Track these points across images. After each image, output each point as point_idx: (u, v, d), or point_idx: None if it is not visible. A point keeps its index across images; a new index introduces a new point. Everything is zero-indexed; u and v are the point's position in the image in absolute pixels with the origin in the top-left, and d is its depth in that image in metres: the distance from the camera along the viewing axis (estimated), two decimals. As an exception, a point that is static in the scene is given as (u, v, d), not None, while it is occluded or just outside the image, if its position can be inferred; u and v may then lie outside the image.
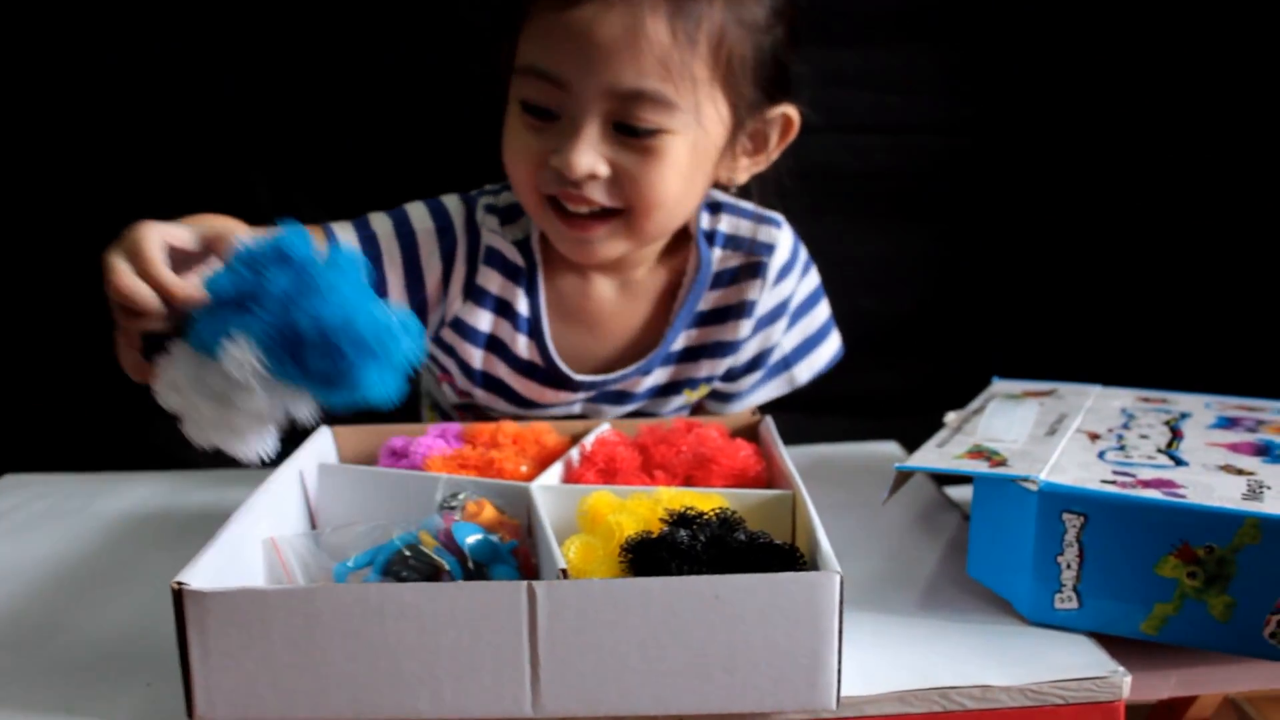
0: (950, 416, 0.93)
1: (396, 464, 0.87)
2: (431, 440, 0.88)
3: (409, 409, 1.61)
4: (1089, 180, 1.72)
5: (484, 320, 1.05)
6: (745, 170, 1.01)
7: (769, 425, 0.91)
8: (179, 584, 0.61)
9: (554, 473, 0.82)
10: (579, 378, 1.06)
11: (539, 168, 0.92)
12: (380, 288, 1.00)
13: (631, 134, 0.90)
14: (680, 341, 1.08)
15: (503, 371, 1.07)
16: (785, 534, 0.76)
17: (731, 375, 1.11)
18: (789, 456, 0.81)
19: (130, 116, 1.58)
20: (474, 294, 1.04)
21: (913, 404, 1.76)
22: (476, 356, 1.07)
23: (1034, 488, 0.73)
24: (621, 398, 1.10)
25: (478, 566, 0.73)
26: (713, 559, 0.66)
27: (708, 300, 1.07)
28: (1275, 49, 1.58)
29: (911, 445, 1.35)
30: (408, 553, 0.72)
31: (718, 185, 1.02)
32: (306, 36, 1.63)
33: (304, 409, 0.67)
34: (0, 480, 1.11)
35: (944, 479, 0.99)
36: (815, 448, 1.13)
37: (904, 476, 0.82)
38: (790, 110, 0.99)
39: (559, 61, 0.88)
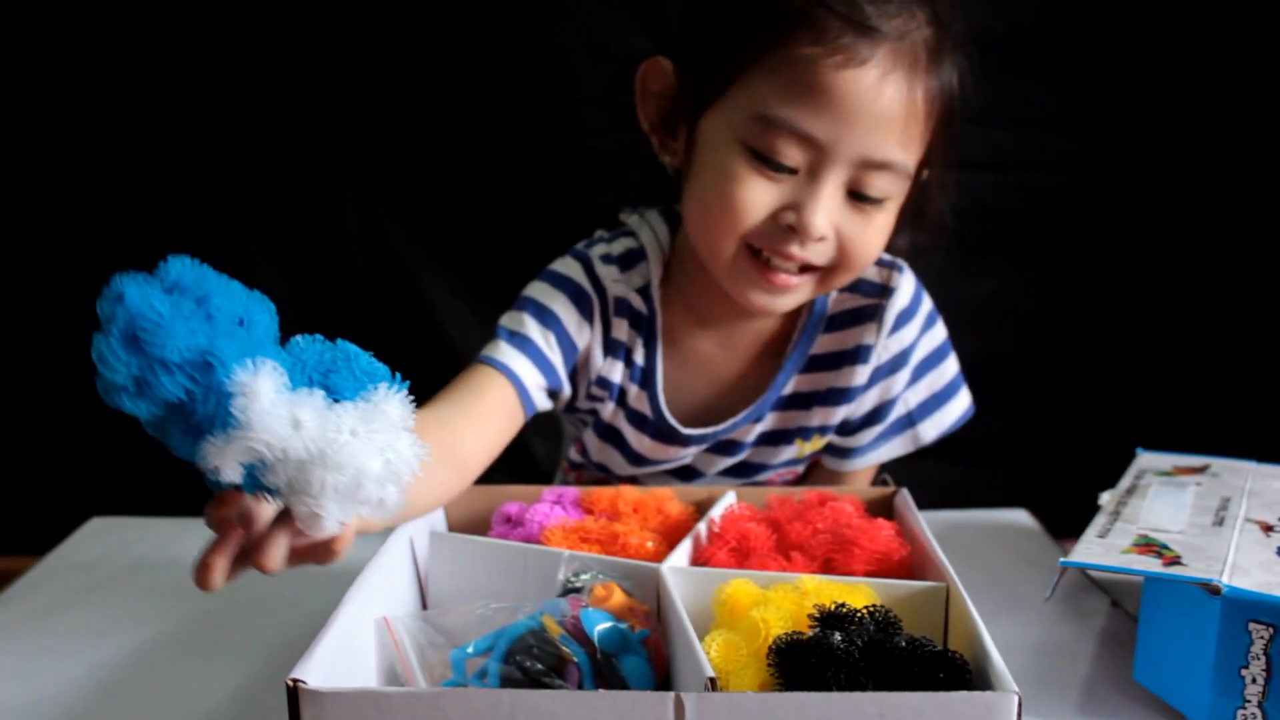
0: (1104, 498, 0.86)
1: (511, 533, 0.82)
2: (548, 508, 0.83)
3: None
4: (1204, 222, 1.66)
5: (618, 372, 1.01)
6: None
7: (906, 500, 0.85)
8: (295, 681, 0.56)
9: (683, 551, 0.77)
10: (687, 431, 1.02)
11: (761, 218, 0.87)
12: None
13: (861, 200, 0.87)
14: (791, 386, 1.03)
15: (621, 423, 1.04)
16: (937, 630, 0.70)
17: (848, 428, 1.05)
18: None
19: (231, 139, 1.57)
20: (611, 348, 1.00)
21: (1012, 451, 1.71)
22: (610, 411, 1.04)
23: (1217, 594, 0.66)
24: (731, 447, 1.05)
25: (606, 657, 0.68)
26: (870, 667, 0.60)
27: (822, 344, 1.02)
28: None
29: (1016, 495, 1.31)
30: (532, 640, 0.67)
31: None
32: (394, 53, 1.63)
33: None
34: (87, 525, 1.07)
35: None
36: (938, 515, 1.06)
37: (1064, 570, 0.76)
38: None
39: (818, 122, 0.83)
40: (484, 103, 1.72)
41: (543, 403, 0.95)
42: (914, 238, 0.99)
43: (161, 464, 1.22)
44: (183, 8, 1.56)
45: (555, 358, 0.96)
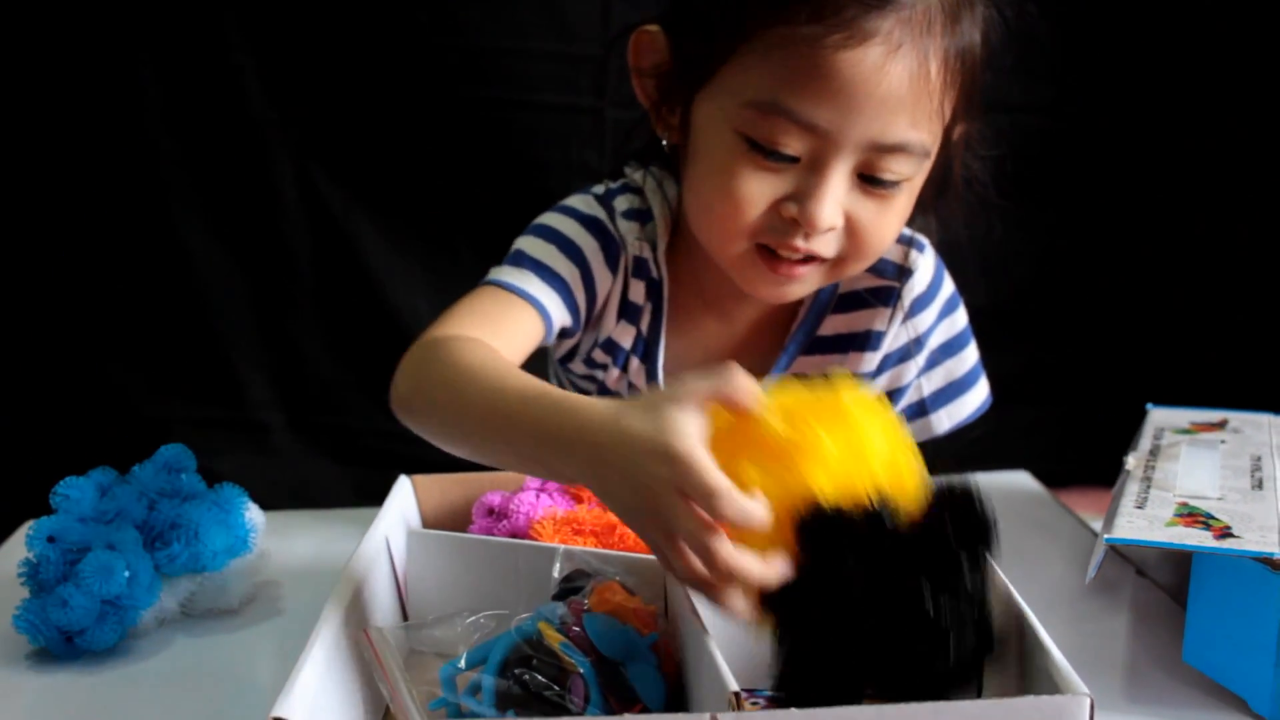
0: (1130, 461, 0.81)
1: (495, 527, 0.74)
2: (534, 497, 0.75)
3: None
4: (1177, 165, 1.63)
5: (629, 338, 0.93)
6: None
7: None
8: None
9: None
10: None
11: (763, 212, 0.79)
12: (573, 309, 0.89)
13: (874, 184, 0.78)
14: (796, 368, 0.95)
15: (618, 386, 0.96)
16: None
17: None
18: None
19: (157, 106, 1.50)
20: (627, 311, 0.92)
21: (1008, 395, 1.67)
22: (614, 377, 0.96)
23: (1278, 569, 0.61)
24: None
25: (612, 666, 0.61)
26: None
27: (829, 325, 0.94)
28: None
29: (1014, 446, 1.26)
30: (529, 650, 0.61)
31: None
32: (329, 6, 1.55)
33: None
34: (24, 529, 0.98)
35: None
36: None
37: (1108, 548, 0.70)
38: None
39: (820, 109, 0.73)
40: (425, 57, 1.64)
41: (551, 341, 0.89)
42: (939, 210, 0.91)
43: (108, 462, 1.13)
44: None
45: (580, 296, 0.88)
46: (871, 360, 0.93)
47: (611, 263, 0.89)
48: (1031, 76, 1.57)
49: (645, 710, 0.60)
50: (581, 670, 0.59)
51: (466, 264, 1.14)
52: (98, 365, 1.77)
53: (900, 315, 0.92)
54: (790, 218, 0.77)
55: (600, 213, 0.90)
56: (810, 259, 0.81)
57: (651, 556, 0.66)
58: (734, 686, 0.53)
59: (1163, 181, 1.64)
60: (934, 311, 0.94)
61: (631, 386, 0.95)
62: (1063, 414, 1.73)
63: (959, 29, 0.75)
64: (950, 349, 0.96)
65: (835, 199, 0.76)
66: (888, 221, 0.80)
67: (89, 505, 0.79)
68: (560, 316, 0.85)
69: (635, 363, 0.93)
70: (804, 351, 0.94)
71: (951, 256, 1.02)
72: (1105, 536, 0.67)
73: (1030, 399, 1.67)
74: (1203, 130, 1.60)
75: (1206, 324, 1.66)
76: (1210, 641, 0.67)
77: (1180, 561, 0.80)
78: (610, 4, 1.57)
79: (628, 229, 0.90)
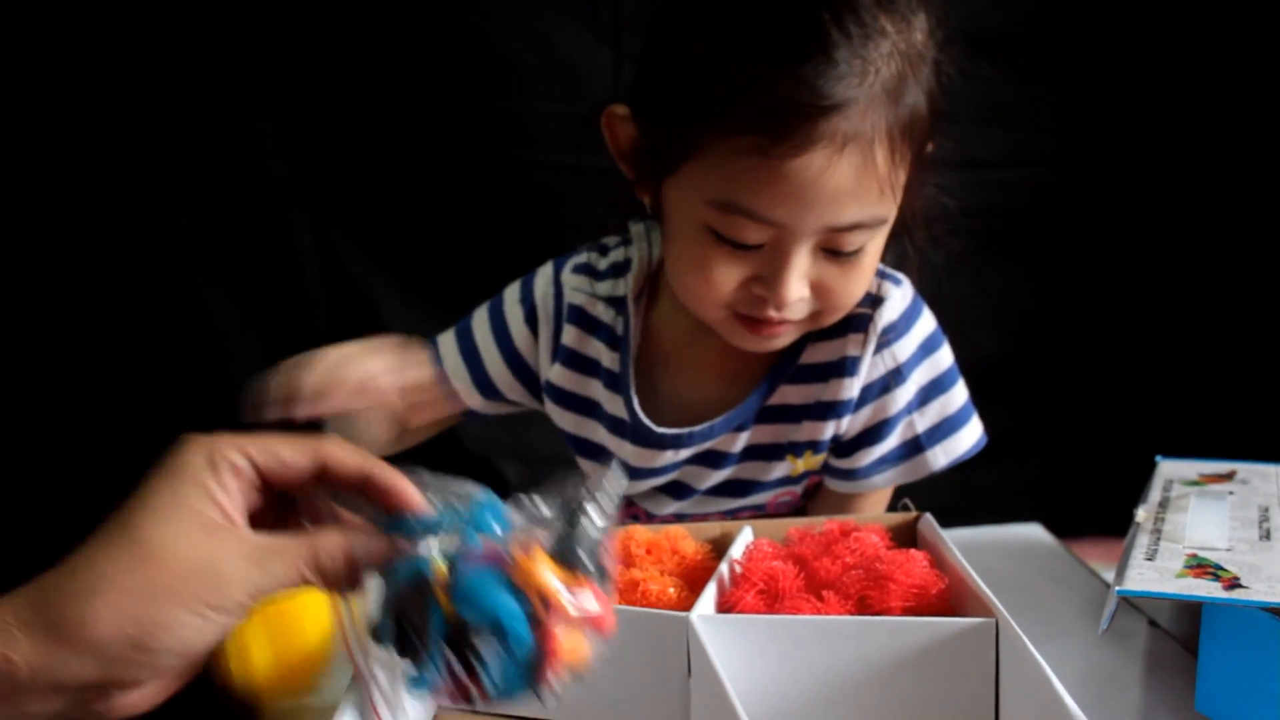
0: (1140, 514, 0.82)
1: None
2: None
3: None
4: (1178, 216, 1.64)
5: (569, 380, 1.03)
6: None
7: (931, 525, 0.81)
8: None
9: (709, 597, 0.71)
10: (660, 430, 0.98)
11: (734, 291, 0.85)
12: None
13: (837, 255, 0.83)
14: (778, 397, 0.98)
15: (602, 435, 1.03)
16: (989, 671, 0.66)
17: (842, 449, 1.00)
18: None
19: (177, 162, 1.52)
20: (561, 355, 1.02)
21: (1019, 448, 1.68)
22: (567, 420, 1.04)
23: (1287, 618, 0.62)
24: (717, 458, 1.01)
25: (462, 627, 0.51)
26: None
27: (810, 354, 0.97)
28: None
29: (1026, 499, 1.27)
30: (411, 593, 0.51)
31: None
32: (344, 69, 1.58)
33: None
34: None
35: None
36: (952, 533, 1.02)
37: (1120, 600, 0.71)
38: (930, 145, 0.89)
39: (775, 209, 0.79)
40: (436, 117, 1.67)
41: (472, 399, 1.08)
42: (904, 249, 0.95)
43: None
44: (135, 27, 1.50)
45: (488, 352, 1.06)
46: (852, 386, 0.96)
47: (528, 318, 1.04)
48: (1036, 130, 1.61)
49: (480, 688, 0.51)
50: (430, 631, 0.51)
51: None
52: (115, 423, 1.80)
53: (873, 342, 0.95)
54: (759, 295, 0.83)
55: (543, 272, 1.05)
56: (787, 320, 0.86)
57: (675, 612, 0.68)
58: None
59: (1168, 232, 1.66)
60: (912, 343, 0.96)
61: (614, 420, 1.01)
62: (1073, 466, 1.74)
63: (903, 102, 0.78)
64: (939, 386, 0.98)
65: (799, 276, 0.82)
66: (854, 279, 0.86)
67: None
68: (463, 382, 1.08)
69: (607, 395, 1.00)
70: (788, 380, 0.98)
71: (957, 311, 1.04)
72: (1117, 589, 0.69)
73: (1041, 451, 1.68)
74: (1208, 181, 1.61)
75: (1214, 373, 1.67)
76: (1222, 690, 0.68)
77: (1192, 611, 0.81)
78: (621, 67, 1.61)
79: (570, 280, 1.02)
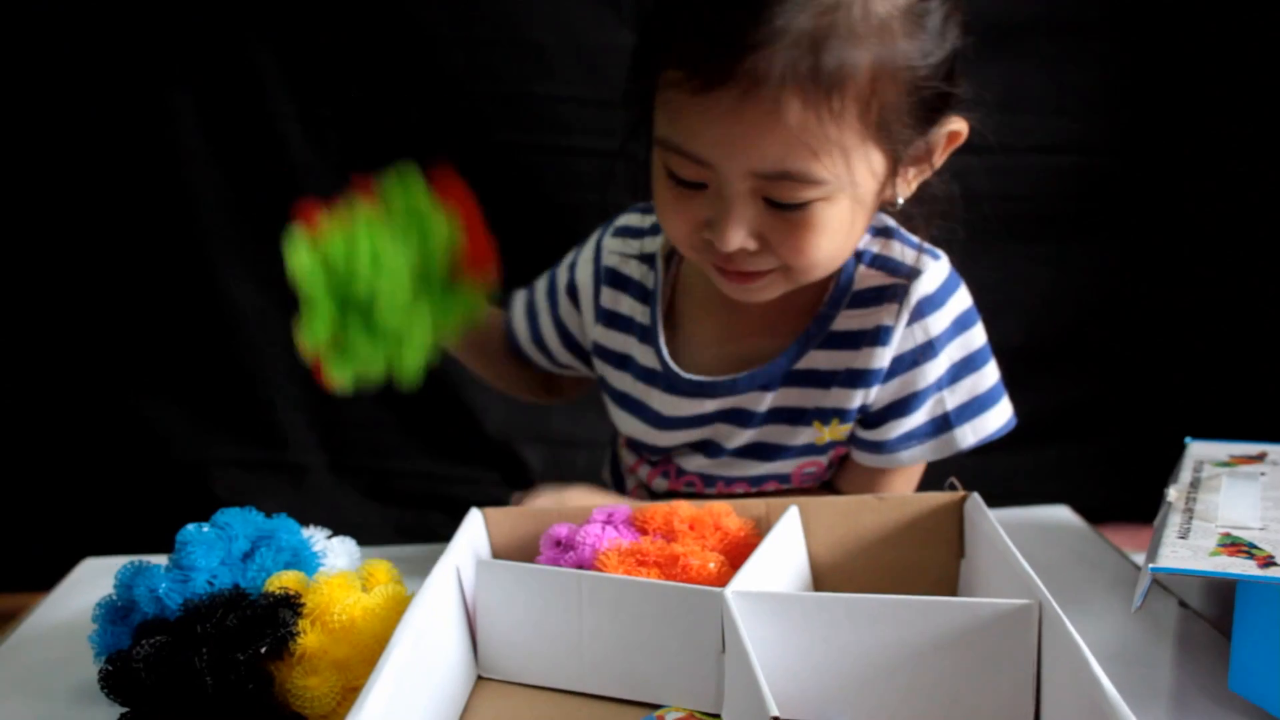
0: (1171, 493, 0.83)
1: (562, 557, 0.77)
2: (599, 529, 0.78)
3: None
4: (1206, 199, 1.64)
5: (610, 339, 1.08)
6: (909, 186, 0.91)
7: (978, 505, 0.81)
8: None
9: (747, 573, 0.72)
10: (688, 377, 1.02)
11: (694, 230, 0.89)
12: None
13: (781, 207, 0.84)
14: (808, 361, 1.00)
15: (630, 386, 1.08)
16: (1030, 655, 0.66)
17: (870, 420, 1.01)
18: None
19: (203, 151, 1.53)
20: (602, 316, 1.08)
21: (1049, 432, 1.68)
22: (617, 378, 1.09)
23: (1323, 596, 0.63)
24: (744, 416, 1.02)
25: None
26: None
27: (844, 320, 0.99)
28: None
29: (1055, 482, 1.27)
30: None
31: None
32: (370, 56, 1.58)
33: None
34: (80, 567, 1.01)
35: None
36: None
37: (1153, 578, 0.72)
38: (956, 124, 0.88)
39: (698, 144, 0.82)
40: (462, 104, 1.68)
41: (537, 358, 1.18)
42: (929, 226, 0.95)
43: (153, 503, 1.15)
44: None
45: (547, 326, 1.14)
46: (883, 356, 0.97)
47: (569, 289, 1.12)
48: (1065, 115, 1.61)
49: None
50: None
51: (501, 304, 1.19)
52: (140, 408, 1.81)
53: (907, 313, 0.96)
54: (708, 239, 0.86)
55: (591, 238, 1.12)
56: (759, 271, 0.89)
57: (710, 588, 0.69)
58: (774, 711, 0.55)
59: (1195, 216, 1.66)
60: (946, 318, 0.97)
61: (647, 371, 1.06)
62: (1101, 450, 1.75)
63: (826, 58, 0.76)
64: (970, 364, 0.99)
65: (741, 222, 0.84)
66: (804, 238, 0.85)
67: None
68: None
69: (640, 348, 1.06)
70: (820, 345, 0.99)
71: (988, 297, 1.04)
72: (1150, 566, 0.69)
73: (1069, 435, 1.69)
74: (1237, 164, 1.61)
75: (1240, 360, 1.67)
76: (1256, 669, 0.68)
77: (1223, 592, 0.82)
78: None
79: (610, 244, 1.09)
